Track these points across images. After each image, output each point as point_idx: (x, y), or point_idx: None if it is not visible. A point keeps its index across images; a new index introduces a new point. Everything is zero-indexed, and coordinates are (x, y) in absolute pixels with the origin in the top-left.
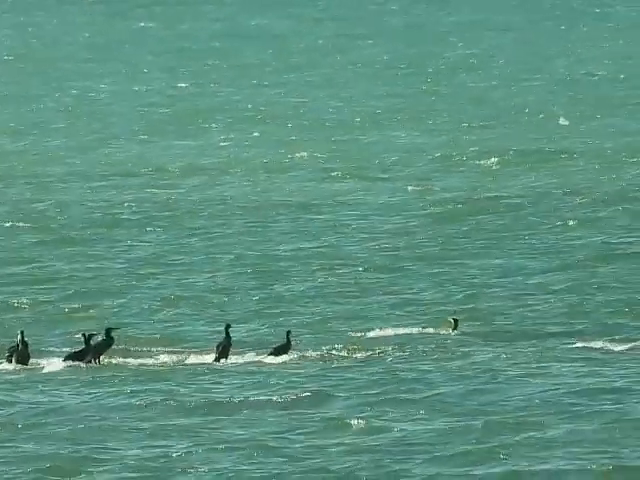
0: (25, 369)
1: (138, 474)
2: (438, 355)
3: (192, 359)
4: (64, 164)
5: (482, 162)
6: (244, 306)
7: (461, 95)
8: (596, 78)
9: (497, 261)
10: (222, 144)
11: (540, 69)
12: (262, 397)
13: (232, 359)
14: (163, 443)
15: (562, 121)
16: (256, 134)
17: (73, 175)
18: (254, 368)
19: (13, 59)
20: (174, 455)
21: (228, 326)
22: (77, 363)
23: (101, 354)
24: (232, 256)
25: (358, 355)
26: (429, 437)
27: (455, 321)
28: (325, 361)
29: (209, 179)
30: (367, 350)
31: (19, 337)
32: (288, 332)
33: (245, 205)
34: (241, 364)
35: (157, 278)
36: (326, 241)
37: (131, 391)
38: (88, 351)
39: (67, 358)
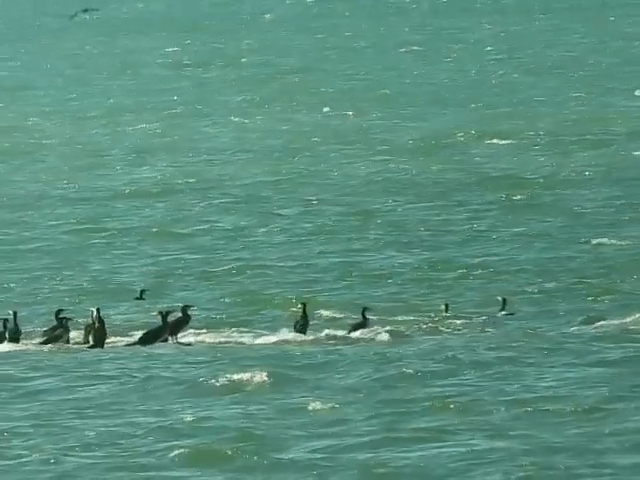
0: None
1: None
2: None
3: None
4: None
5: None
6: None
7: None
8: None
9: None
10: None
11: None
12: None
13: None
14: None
15: (638, 93)
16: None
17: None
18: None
19: None
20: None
21: (304, 305)
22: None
23: (178, 332)
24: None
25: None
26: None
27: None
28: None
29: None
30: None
31: (95, 314)
32: (364, 309)
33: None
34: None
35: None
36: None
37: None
38: (165, 329)
39: (143, 337)
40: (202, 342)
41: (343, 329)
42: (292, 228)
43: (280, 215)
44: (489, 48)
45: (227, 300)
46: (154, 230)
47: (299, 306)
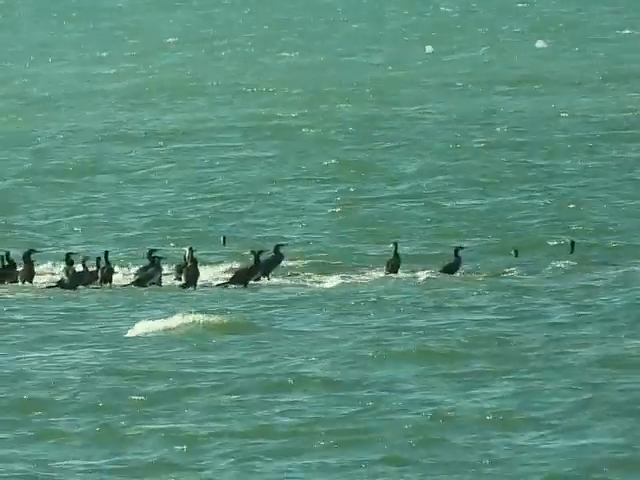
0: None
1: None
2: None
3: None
4: None
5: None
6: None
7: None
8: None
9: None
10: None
11: None
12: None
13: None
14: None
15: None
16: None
17: None
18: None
19: None
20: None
21: (396, 244)
22: None
23: (270, 271)
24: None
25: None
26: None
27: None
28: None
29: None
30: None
31: (187, 253)
32: (457, 248)
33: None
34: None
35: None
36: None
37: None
38: (258, 268)
39: (235, 276)
40: (285, 283)
41: (434, 268)
42: (369, 175)
43: (352, 162)
44: None
45: (314, 238)
46: (229, 169)
47: (391, 246)
